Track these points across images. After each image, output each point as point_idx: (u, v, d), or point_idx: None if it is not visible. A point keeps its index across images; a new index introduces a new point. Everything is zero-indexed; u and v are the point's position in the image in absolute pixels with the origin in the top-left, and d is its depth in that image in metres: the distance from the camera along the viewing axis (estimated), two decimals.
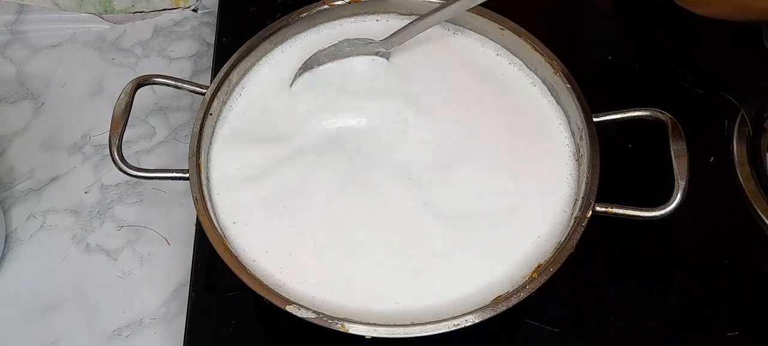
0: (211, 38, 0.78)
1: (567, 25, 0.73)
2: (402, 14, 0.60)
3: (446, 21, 0.59)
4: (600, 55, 0.69)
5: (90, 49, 0.77)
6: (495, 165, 0.53)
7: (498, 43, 0.58)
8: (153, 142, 0.70)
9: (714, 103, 0.64)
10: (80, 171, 0.68)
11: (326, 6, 0.58)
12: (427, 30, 0.56)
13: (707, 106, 0.65)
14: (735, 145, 0.61)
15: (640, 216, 0.47)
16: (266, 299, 0.45)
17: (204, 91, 0.53)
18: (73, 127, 0.71)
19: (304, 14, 0.57)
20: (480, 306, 0.44)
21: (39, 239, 0.64)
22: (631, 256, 0.58)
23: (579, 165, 0.52)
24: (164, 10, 0.79)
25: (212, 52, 0.76)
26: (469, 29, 0.60)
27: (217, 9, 0.77)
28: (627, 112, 0.52)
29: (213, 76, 0.65)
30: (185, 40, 0.78)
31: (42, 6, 0.77)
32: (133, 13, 0.79)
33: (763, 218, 0.58)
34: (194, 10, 0.80)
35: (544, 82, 0.57)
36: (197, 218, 0.60)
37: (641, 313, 0.55)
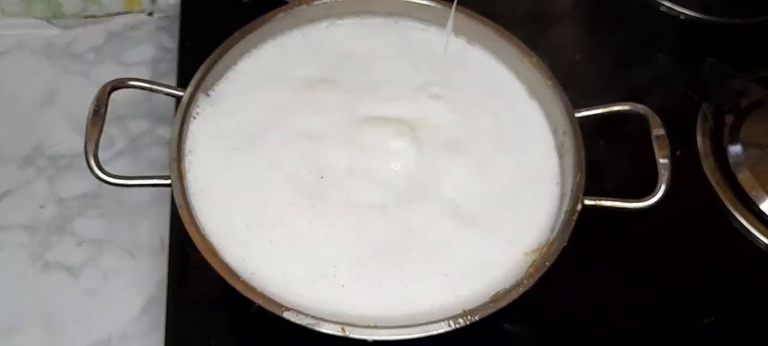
0: (169, 43, 0.75)
1: (529, 26, 0.75)
2: (381, 15, 0.60)
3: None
4: (566, 55, 0.70)
5: (39, 56, 0.73)
6: (480, 165, 0.53)
7: (478, 43, 0.59)
8: (112, 152, 0.67)
9: (677, 100, 0.67)
10: (34, 185, 0.64)
11: (304, 6, 0.57)
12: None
13: (670, 103, 0.67)
14: (699, 140, 0.64)
15: (628, 208, 0.49)
16: (255, 306, 0.43)
17: (181, 93, 0.51)
18: (24, 139, 0.67)
19: (281, 14, 0.56)
20: (481, 303, 0.44)
21: None
22: (606, 251, 0.59)
23: (563, 161, 0.53)
24: (117, 14, 0.76)
25: (171, 57, 0.74)
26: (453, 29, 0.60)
27: (174, 12, 0.75)
28: (607, 107, 0.54)
29: (179, 80, 0.64)
30: (141, 46, 0.75)
31: None
32: (84, 17, 0.75)
33: (729, 208, 0.60)
34: (149, 14, 0.77)
35: (523, 79, 0.57)
36: (170, 228, 0.58)
37: (618, 304, 0.56)
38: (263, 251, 0.48)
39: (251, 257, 0.47)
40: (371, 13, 0.60)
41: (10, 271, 0.59)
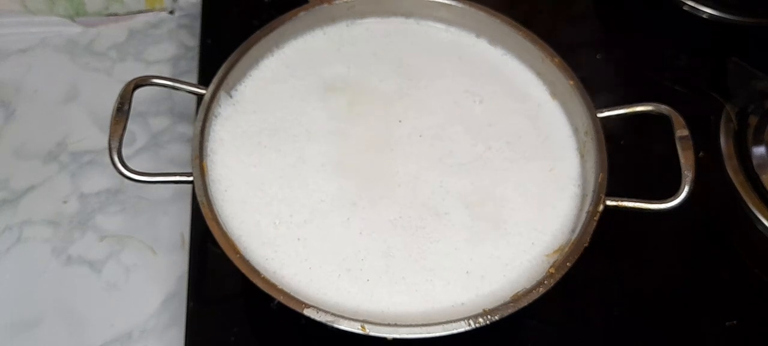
0: (190, 41, 0.76)
1: (547, 26, 0.74)
2: (402, 15, 0.60)
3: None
4: (588, 54, 0.70)
5: (62, 53, 0.74)
6: (502, 166, 0.53)
7: (500, 43, 0.59)
8: (133, 148, 0.68)
9: (700, 101, 0.66)
10: (57, 180, 0.65)
11: (325, 4, 0.57)
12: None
13: (693, 104, 0.66)
14: (722, 141, 0.63)
15: (650, 209, 0.48)
16: (275, 303, 0.43)
17: (203, 91, 0.51)
18: (48, 135, 0.68)
19: (302, 13, 0.56)
20: (501, 303, 0.44)
21: (17, 253, 0.61)
22: (627, 253, 0.59)
23: (585, 161, 0.52)
24: (139, 12, 0.77)
25: (191, 55, 0.75)
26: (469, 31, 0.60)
27: (195, 11, 0.75)
28: (630, 107, 0.53)
29: (200, 78, 0.64)
30: (162, 43, 0.76)
31: (10, 9, 0.73)
32: (107, 15, 0.76)
33: (753, 209, 0.59)
34: (170, 13, 0.78)
35: (545, 79, 0.57)
36: (190, 224, 0.58)
37: (639, 306, 0.56)
38: (289, 248, 0.48)
39: (275, 255, 0.47)
40: (392, 12, 0.60)
41: (34, 265, 0.60)
